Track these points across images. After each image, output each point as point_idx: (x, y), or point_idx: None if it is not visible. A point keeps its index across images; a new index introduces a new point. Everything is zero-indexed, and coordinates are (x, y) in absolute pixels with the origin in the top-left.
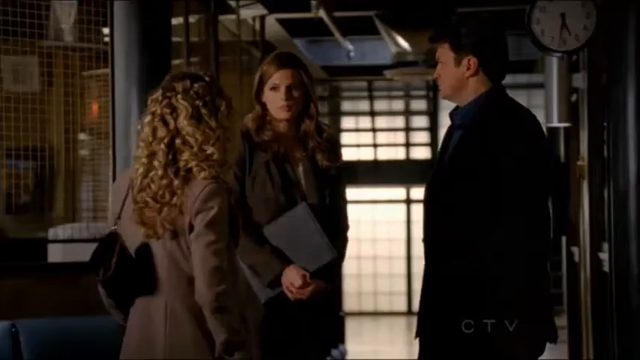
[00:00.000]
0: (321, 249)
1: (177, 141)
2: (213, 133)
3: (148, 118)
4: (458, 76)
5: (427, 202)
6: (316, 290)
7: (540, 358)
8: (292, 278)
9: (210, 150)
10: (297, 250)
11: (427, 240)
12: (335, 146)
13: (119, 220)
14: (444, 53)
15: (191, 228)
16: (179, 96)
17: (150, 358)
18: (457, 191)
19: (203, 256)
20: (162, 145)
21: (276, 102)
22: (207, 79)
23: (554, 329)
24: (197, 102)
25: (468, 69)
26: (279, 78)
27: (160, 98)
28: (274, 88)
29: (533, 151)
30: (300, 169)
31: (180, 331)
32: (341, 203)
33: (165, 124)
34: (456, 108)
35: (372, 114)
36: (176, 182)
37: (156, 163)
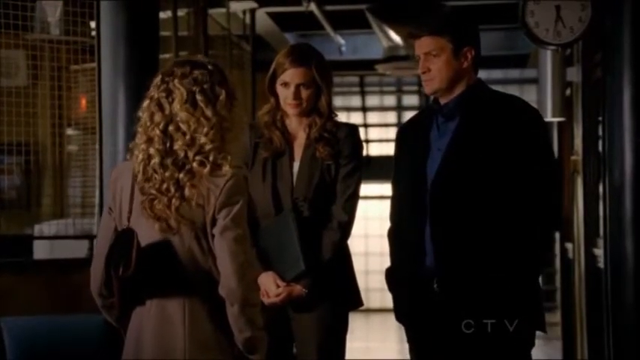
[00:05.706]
0: (297, 259)
1: (171, 127)
2: (207, 122)
3: (146, 103)
4: (457, 68)
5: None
6: (290, 295)
7: (535, 356)
8: (267, 285)
9: (202, 139)
10: (277, 257)
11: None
12: (345, 139)
13: (130, 214)
14: (439, 46)
15: (213, 222)
16: (176, 80)
17: None
18: (488, 186)
19: (232, 250)
20: (158, 131)
21: (285, 98)
22: (210, 67)
23: (544, 318)
24: (194, 88)
25: (466, 60)
26: (290, 76)
27: (159, 83)
28: (285, 85)
29: (544, 130)
30: (297, 164)
31: (200, 332)
32: (343, 197)
33: (161, 108)
34: (434, 100)
35: (364, 109)
36: (181, 175)
37: (152, 150)
